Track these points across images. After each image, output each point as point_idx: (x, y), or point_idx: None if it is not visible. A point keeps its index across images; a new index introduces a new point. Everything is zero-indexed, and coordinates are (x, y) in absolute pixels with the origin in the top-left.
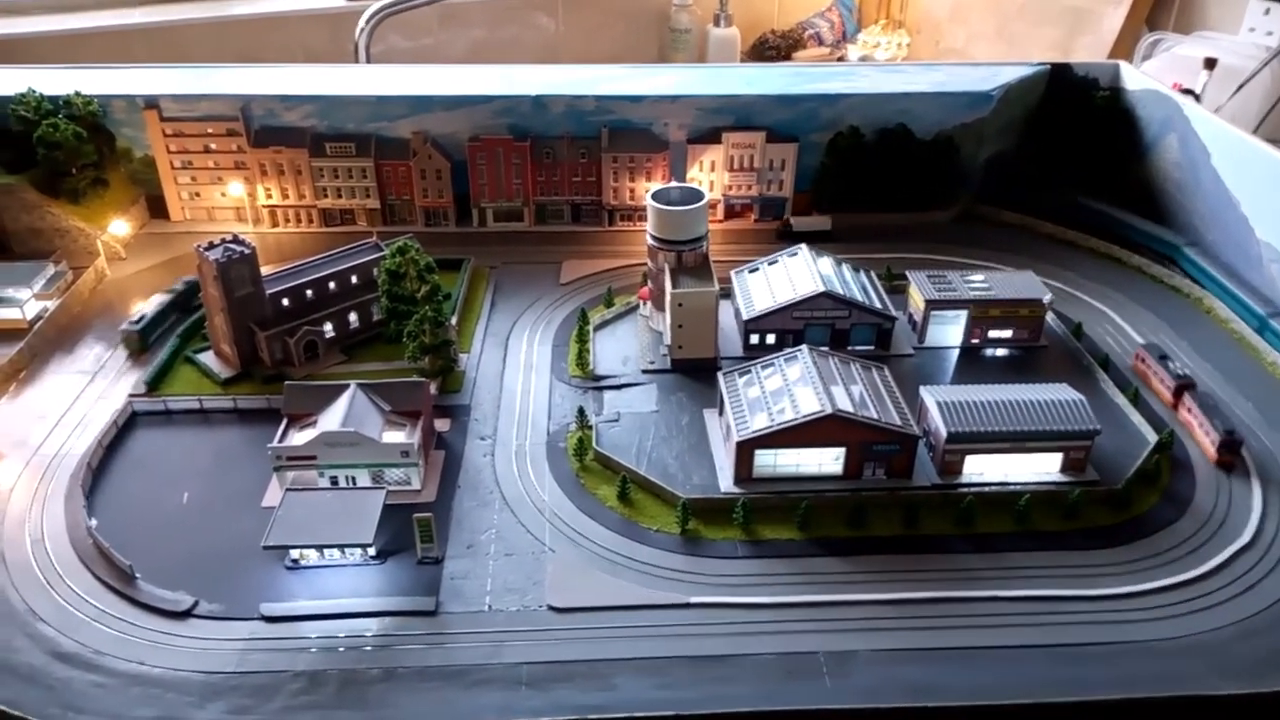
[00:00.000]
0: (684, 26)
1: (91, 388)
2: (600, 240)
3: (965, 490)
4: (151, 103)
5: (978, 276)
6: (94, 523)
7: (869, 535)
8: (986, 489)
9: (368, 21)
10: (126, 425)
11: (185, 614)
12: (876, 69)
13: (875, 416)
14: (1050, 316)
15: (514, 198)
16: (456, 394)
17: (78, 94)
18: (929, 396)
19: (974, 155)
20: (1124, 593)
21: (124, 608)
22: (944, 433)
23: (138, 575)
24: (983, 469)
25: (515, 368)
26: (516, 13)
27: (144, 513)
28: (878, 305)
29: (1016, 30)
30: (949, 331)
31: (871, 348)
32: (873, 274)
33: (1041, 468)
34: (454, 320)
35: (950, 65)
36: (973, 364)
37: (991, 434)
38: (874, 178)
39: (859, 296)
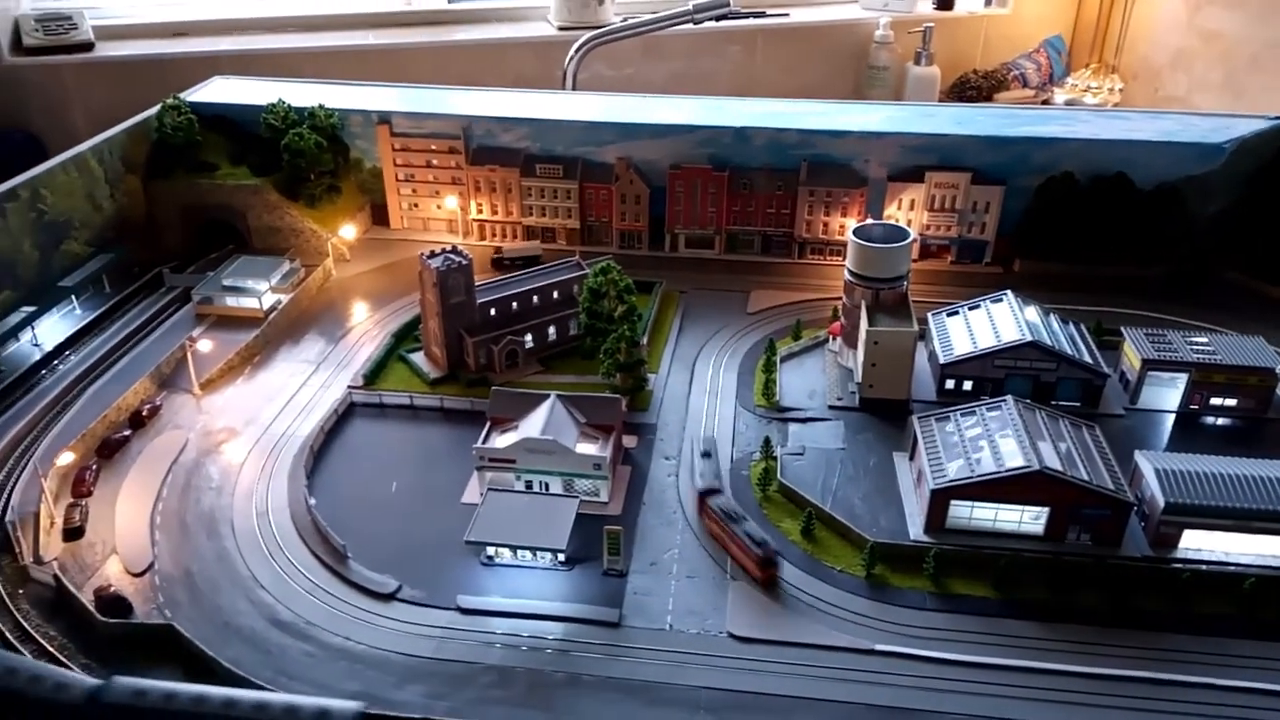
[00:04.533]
0: (883, 63)
1: (315, 377)
2: (789, 272)
3: (1180, 566)
4: (384, 118)
5: (1201, 338)
6: (314, 501)
7: (1071, 602)
8: (1205, 567)
9: (578, 50)
10: (345, 414)
11: (390, 597)
12: (1096, 114)
13: (1086, 478)
14: None
15: (707, 225)
16: (644, 413)
17: (321, 107)
18: (1145, 462)
19: (1199, 210)
20: None
21: (336, 584)
22: (1161, 502)
23: (349, 555)
24: (1201, 545)
25: (700, 392)
26: (715, 46)
27: (356, 497)
28: (1088, 360)
29: (1247, 82)
30: (1165, 395)
31: (1078, 404)
32: (1083, 327)
33: (1269, 549)
34: (644, 340)
35: (1179, 114)
36: (1190, 431)
37: (1214, 509)
38: (1087, 227)
39: (1068, 349)
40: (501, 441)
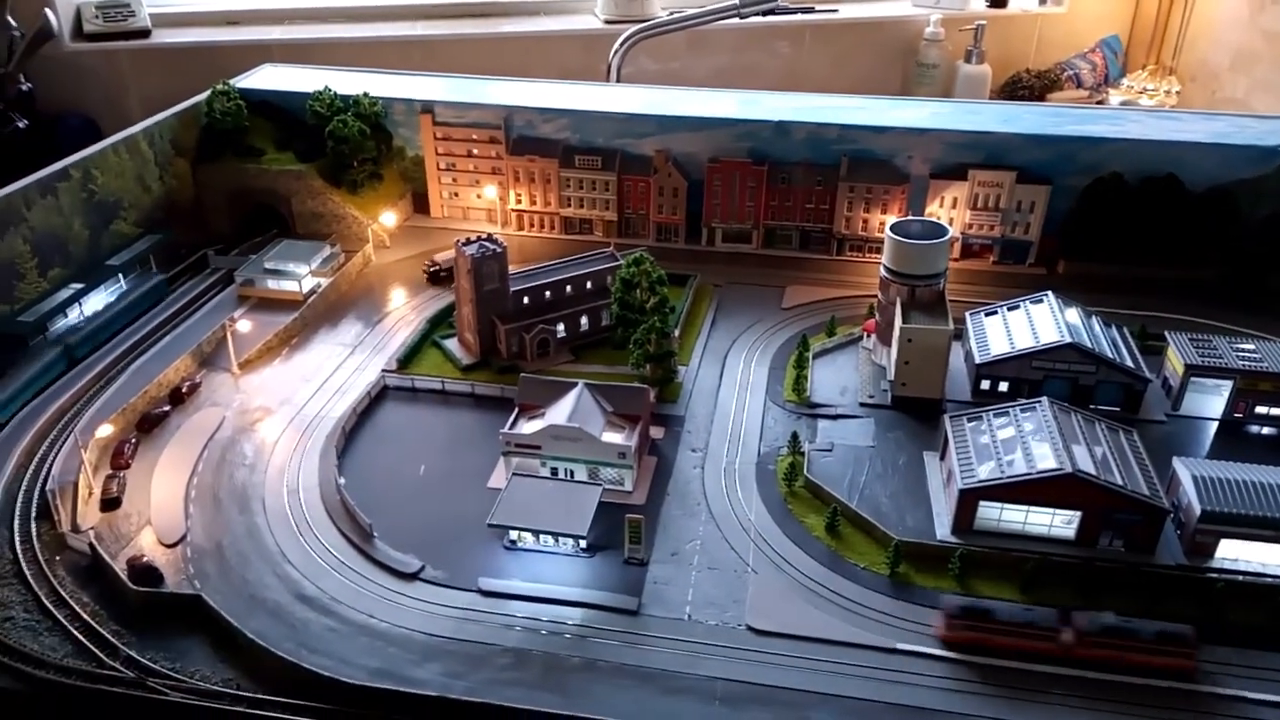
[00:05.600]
0: (932, 61)
1: (351, 359)
2: (827, 269)
3: (1215, 575)
4: (427, 108)
5: (1248, 345)
6: (343, 481)
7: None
8: (1241, 577)
9: (622, 44)
10: (378, 397)
11: (413, 576)
12: (1147, 114)
13: (1120, 482)
14: None
15: (745, 220)
16: (673, 404)
17: (365, 95)
18: (1183, 469)
19: (1250, 214)
20: None
21: (360, 562)
22: (1197, 510)
23: (375, 535)
24: (1238, 554)
25: (731, 386)
26: (762, 40)
27: (384, 478)
28: (1129, 364)
29: None
30: (1209, 402)
31: (1118, 409)
32: (1125, 330)
33: None
34: (676, 333)
35: (1232, 115)
36: (1234, 440)
37: (1253, 518)
38: (1134, 228)
39: (1109, 352)
40: (528, 428)
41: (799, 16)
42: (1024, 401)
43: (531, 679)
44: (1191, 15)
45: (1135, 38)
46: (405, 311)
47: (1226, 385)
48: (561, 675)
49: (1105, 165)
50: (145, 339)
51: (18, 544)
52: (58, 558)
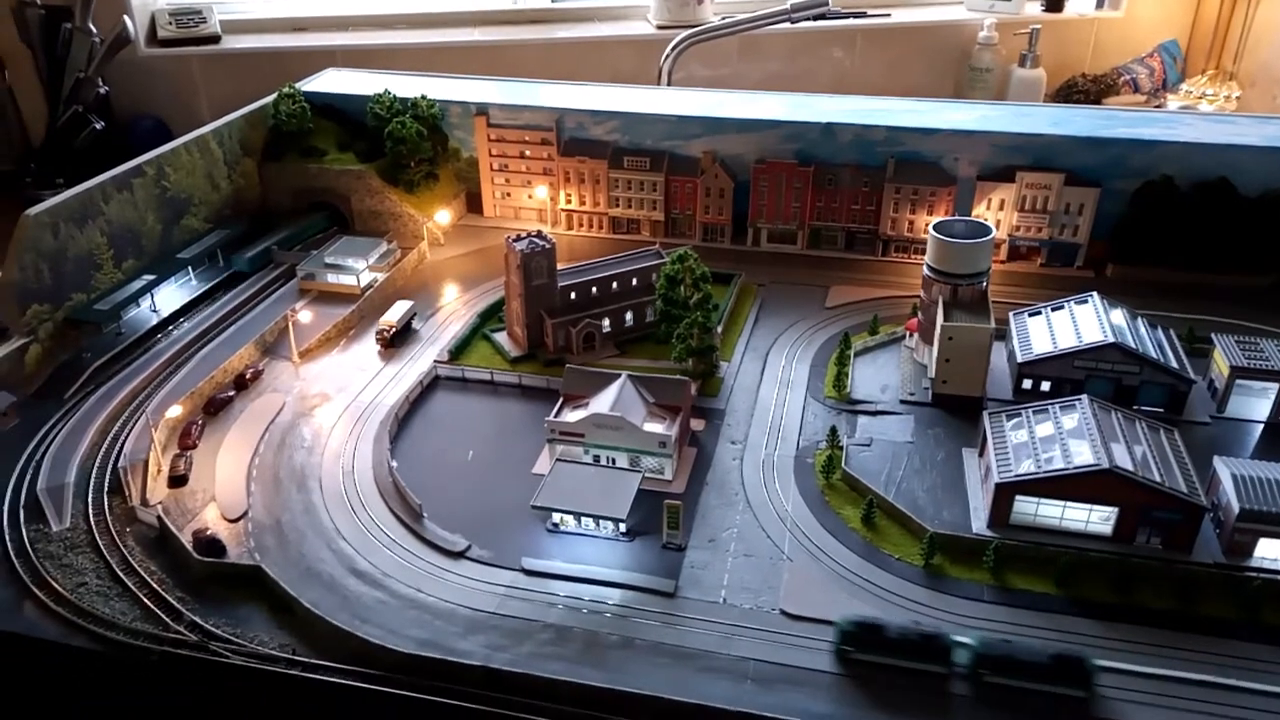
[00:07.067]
0: (986, 65)
1: (404, 350)
2: (871, 269)
3: (1254, 574)
4: (482, 110)
5: None
6: (395, 464)
7: (1136, 604)
8: (1278, 576)
9: (674, 49)
10: (430, 386)
11: (459, 555)
12: (1200, 117)
13: (1158, 479)
14: None
15: (790, 221)
16: (713, 398)
17: (423, 97)
18: (1223, 468)
19: None
20: None
21: (410, 540)
22: (1236, 509)
23: (425, 514)
24: (1277, 554)
25: (771, 382)
26: (813, 46)
27: (434, 463)
28: (1174, 365)
29: None
30: (1255, 404)
31: (1161, 410)
32: (1171, 332)
33: None
34: (719, 329)
35: None
36: (1279, 442)
37: None
38: (1186, 233)
39: (1153, 353)
40: (572, 417)
41: (851, 21)
42: (1063, 399)
43: (572, 654)
44: (1254, 19)
45: (1195, 42)
46: (457, 306)
47: (1273, 388)
48: (600, 651)
49: (1156, 168)
50: (212, 328)
51: (91, 516)
52: (128, 529)
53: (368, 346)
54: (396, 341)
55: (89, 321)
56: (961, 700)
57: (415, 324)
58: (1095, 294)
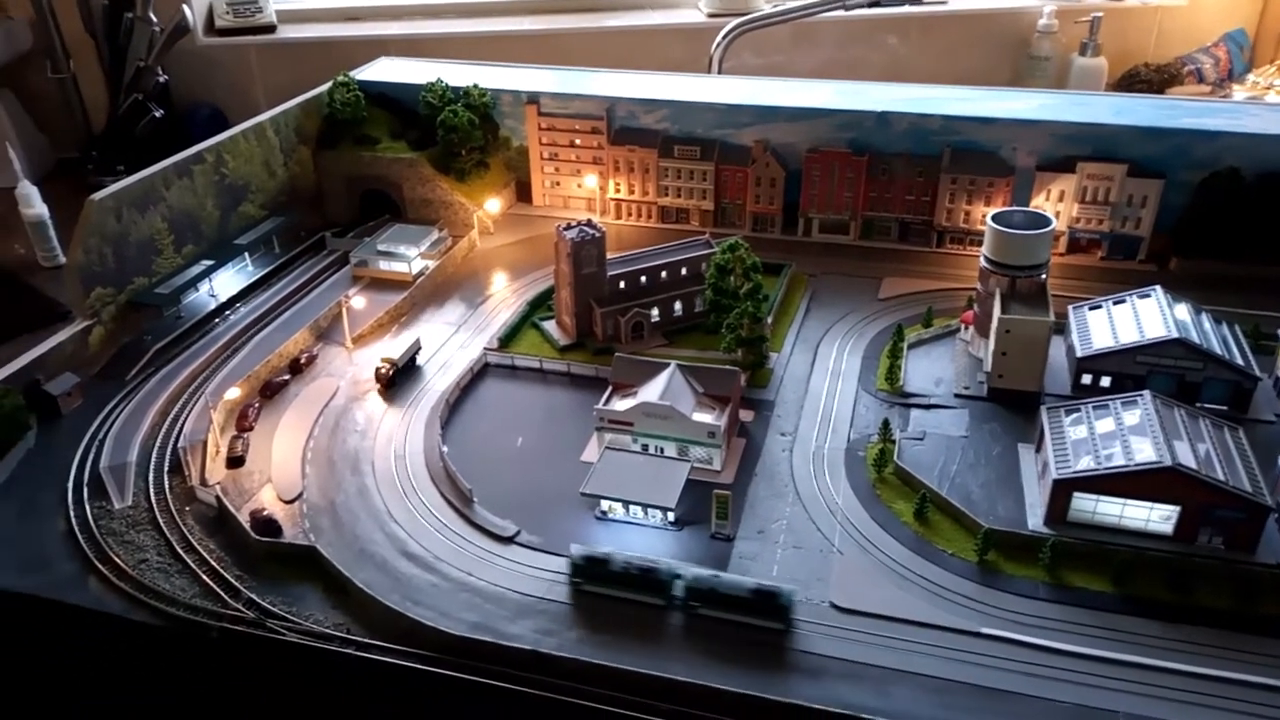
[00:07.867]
0: (1045, 54)
1: (455, 338)
2: (925, 260)
3: None
4: (533, 99)
5: None
6: (446, 449)
7: (1195, 604)
8: None
9: (725, 37)
10: (480, 373)
11: (509, 540)
12: (1267, 108)
13: (1222, 478)
14: None
15: (842, 211)
16: (763, 389)
17: (475, 86)
18: None
19: None
20: None
21: (460, 525)
22: None
23: (475, 499)
24: None
25: (822, 373)
26: (867, 34)
27: (484, 449)
28: (1239, 362)
29: None
30: None
31: (1225, 408)
32: (1237, 328)
33: None
34: (769, 320)
35: None
36: None
37: None
38: (1251, 226)
39: (1217, 349)
40: (621, 405)
41: (905, 9)
42: (1125, 395)
43: (618, 641)
44: None
45: (1263, 32)
46: (506, 294)
47: None
48: (647, 639)
49: (1221, 160)
50: (268, 313)
51: (152, 495)
52: (187, 508)
53: (419, 332)
54: (399, 380)
55: (150, 305)
56: (675, 629)
57: (419, 360)
58: (1158, 288)
